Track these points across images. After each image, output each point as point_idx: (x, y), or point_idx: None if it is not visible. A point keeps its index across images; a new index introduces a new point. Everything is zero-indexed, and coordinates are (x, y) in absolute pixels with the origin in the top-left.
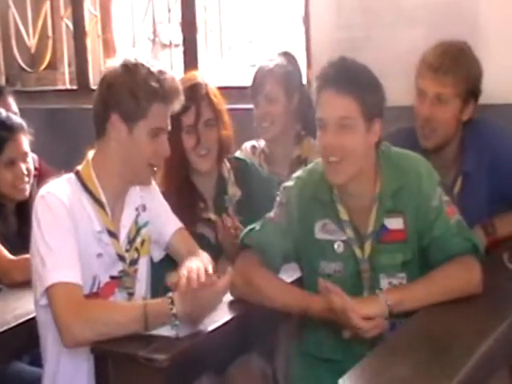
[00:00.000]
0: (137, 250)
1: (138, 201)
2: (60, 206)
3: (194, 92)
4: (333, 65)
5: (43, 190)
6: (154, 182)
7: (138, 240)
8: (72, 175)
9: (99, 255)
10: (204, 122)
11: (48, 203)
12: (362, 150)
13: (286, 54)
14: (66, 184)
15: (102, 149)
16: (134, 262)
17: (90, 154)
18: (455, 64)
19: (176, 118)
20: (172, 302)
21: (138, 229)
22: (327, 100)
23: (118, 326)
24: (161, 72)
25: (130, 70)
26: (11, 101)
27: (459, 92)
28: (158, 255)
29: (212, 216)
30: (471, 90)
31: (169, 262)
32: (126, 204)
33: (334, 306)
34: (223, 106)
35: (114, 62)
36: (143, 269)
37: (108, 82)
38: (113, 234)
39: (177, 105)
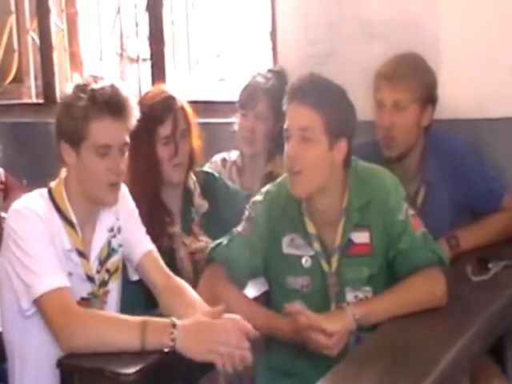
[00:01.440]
0: (108, 271)
1: (111, 221)
2: (37, 219)
3: (170, 103)
4: (301, 78)
5: (18, 205)
6: (130, 199)
7: (110, 261)
8: (45, 191)
9: (69, 274)
10: (180, 132)
11: (25, 216)
12: (323, 165)
13: (278, 74)
14: (40, 199)
15: (68, 173)
16: (104, 284)
17: (63, 172)
18: (410, 70)
19: (151, 131)
20: (174, 327)
21: (110, 250)
22: (291, 111)
23: (115, 342)
24: (95, 89)
25: (67, 96)
26: None
27: (417, 97)
28: (135, 273)
29: (177, 230)
30: (428, 95)
31: (144, 285)
32: (98, 224)
33: (300, 324)
34: (193, 118)
35: None
36: (114, 292)
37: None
38: (82, 254)
39: (130, 116)
